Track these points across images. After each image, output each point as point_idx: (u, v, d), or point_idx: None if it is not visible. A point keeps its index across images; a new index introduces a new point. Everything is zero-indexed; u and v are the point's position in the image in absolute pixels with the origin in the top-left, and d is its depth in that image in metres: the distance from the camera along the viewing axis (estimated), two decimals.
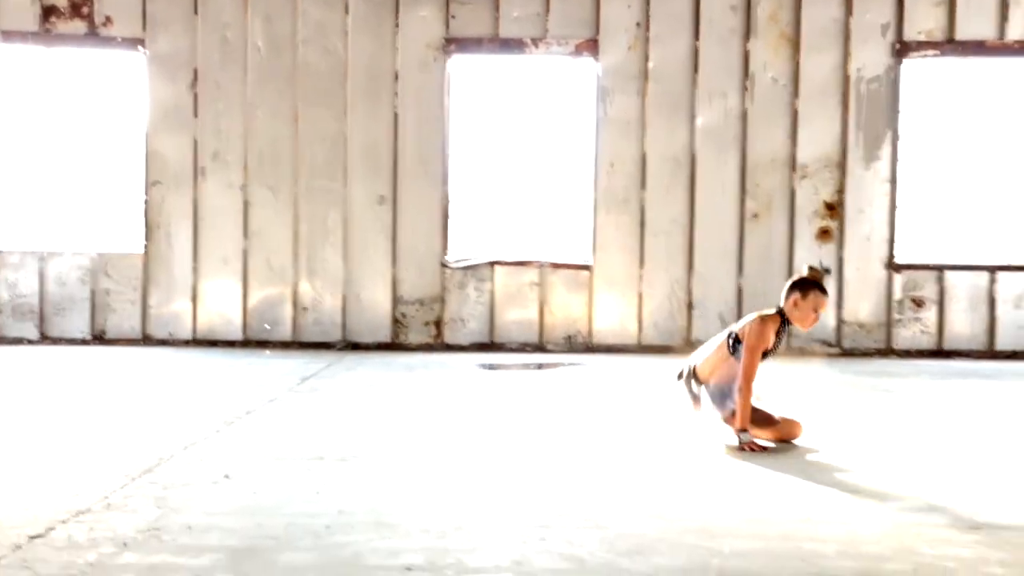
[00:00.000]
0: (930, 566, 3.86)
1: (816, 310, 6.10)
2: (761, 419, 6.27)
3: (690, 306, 11.34)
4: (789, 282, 6.18)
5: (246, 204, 11.48)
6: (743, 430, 6.02)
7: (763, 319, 6.13)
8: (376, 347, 11.44)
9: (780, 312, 6.18)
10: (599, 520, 4.43)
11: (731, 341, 6.24)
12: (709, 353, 6.39)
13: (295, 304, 11.50)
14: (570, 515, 4.50)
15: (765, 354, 6.19)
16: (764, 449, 5.98)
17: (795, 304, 6.13)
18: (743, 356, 6.12)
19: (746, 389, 6.06)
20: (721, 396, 6.30)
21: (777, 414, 6.34)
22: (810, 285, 6.13)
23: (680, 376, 6.50)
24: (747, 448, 5.96)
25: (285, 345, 11.46)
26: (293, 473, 5.25)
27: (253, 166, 11.46)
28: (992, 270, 11.22)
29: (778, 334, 6.18)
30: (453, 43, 11.36)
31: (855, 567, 3.85)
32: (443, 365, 10.15)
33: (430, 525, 4.31)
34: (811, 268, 6.23)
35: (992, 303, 11.22)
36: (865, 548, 4.07)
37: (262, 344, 11.47)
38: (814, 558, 3.94)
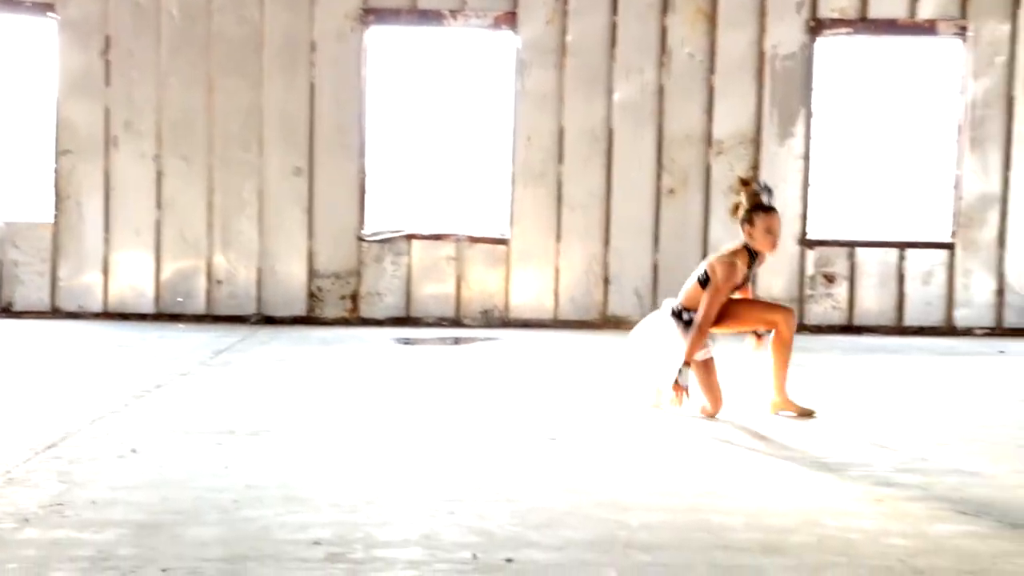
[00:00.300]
0: (834, 538, 3.92)
1: (769, 231, 6.18)
2: (707, 380, 6.29)
3: (606, 281, 11.38)
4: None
5: (159, 174, 11.30)
6: (686, 364, 6.10)
7: (731, 263, 6.18)
8: (291, 321, 11.34)
9: (746, 244, 6.28)
10: (510, 494, 4.44)
11: (702, 279, 6.30)
12: (688, 286, 6.44)
13: (209, 277, 11.35)
14: (481, 489, 4.51)
15: (738, 287, 6.29)
16: (680, 399, 6.07)
17: (750, 235, 6.25)
18: (705, 298, 6.18)
19: (702, 330, 6.14)
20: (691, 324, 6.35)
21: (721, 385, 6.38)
22: (755, 210, 6.22)
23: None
24: (675, 390, 6.07)
25: (199, 318, 11.31)
26: (202, 447, 5.20)
27: (167, 136, 11.28)
28: (901, 247, 11.38)
29: (749, 266, 6.27)
30: (371, 14, 11.25)
31: (761, 539, 3.90)
32: (359, 339, 10.10)
33: (341, 499, 4.30)
34: (752, 194, 6.29)
35: (901, 279, 11.39)
36: (771, 520, 4.12)
37: (175, 317, 11.31)
38: (721, 531, 3.99)
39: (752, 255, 6.26)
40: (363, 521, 3.99)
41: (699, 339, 6.14)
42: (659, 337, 6.39)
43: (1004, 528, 4.08)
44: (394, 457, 5.11)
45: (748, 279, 6.34)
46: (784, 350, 6.28)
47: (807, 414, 6.27)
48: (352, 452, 5.20)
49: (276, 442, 5.39)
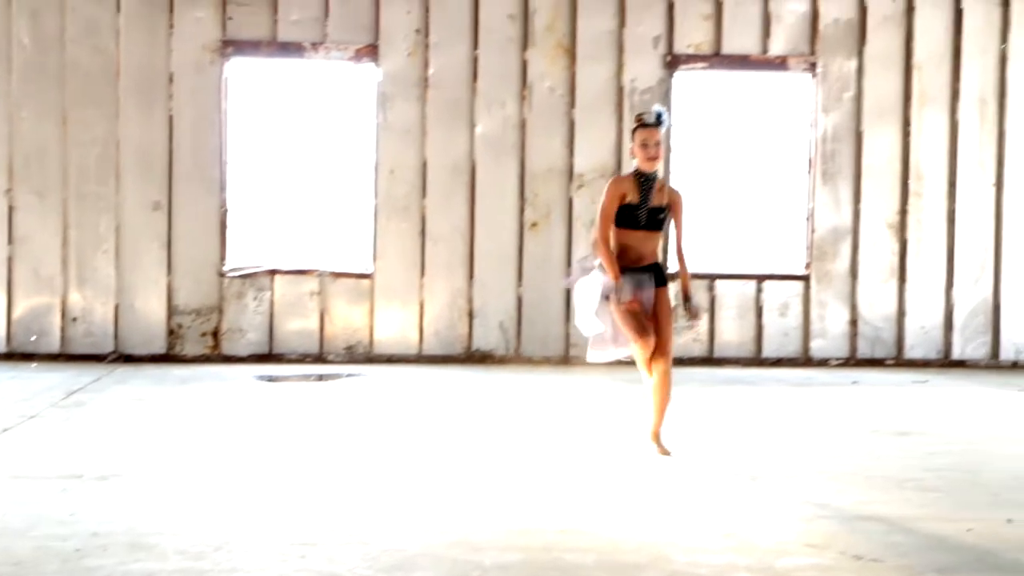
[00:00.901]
0: (682, 573, 3.97)
1: (643, 144, 6.29)
2: (636, 323, 6.22)
3: (471, 315, 11.38)
4: None
5: (11, 209, 11.00)
6: (616, 281, 6.17)
7: (614, 179, 6.54)
8: (151, 359, 11.10)
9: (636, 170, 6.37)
10: (363, 536, 4.41)
11: None
12: None
13: (64, 314, 11.06)
14: (335, 531, 4.47)
15: (636, 210, 6.25)
16: (634, 305, 6.13)
17: (632, 153, 6.42)
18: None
19: (599, 243, 6.28)
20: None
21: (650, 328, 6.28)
22: (635, 129, 6.38)
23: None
24: (622, 304, 6.10)
25: (53, 357, 10.99)
26: (47, 494, 5.06)
27: (19, 169, 10.99)
28: (759, 279, 11.61)
29: (641, 187, 6.28)
30: (230, 45, 11.13)
31: None
32: (220, 377, 9.95)
33: (189, 546, 4.22)
34: (636, 116, 6.52)
35: (759, 312, 11.60)
36: (622, 557, 4.16)
37: (28, 357, 10.98)
38: (574, 569, 4.00)
39: (640, 177, 6.32)
40: (210, 568, 3.93)
41: (605, 257, 6.23)
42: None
43: (846, 559, 4.18)
44: (248, 500, 5.04)
45: (646, 201, 6.28)
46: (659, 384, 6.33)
47: (664, 452, 6.30)
48: (205, 495, 5.11)
49: (126, 487, 5.27)
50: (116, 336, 11.11)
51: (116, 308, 11.10)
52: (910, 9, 11.54)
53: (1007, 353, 11.76)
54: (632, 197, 6.26)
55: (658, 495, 5.28)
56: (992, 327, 11.76)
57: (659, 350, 6.26)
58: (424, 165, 11.28)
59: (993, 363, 11.71)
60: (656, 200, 6.33)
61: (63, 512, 4.71)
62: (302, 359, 11.22)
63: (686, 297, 6.50)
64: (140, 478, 5.47)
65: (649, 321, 6.25)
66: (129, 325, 11.12)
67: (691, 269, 6.69)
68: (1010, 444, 6.95)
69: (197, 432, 6.97)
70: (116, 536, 4.33)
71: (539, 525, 4.64)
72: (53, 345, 11.04)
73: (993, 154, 11.68)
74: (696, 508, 5.01)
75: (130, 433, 6.88)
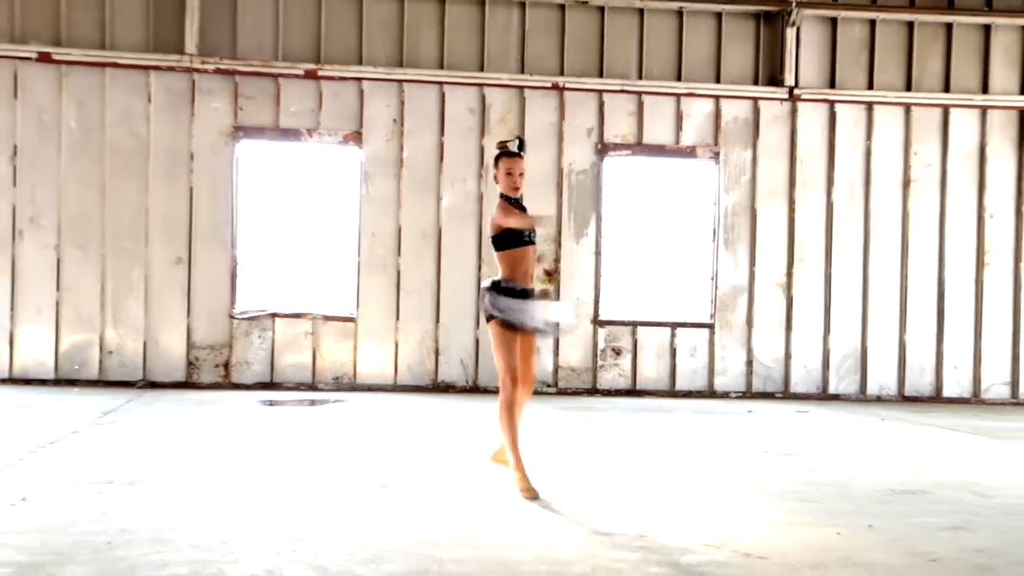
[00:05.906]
0: (605, 567, 4.02)
1: (508, 172, 5.63)
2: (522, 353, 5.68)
3: (437, 352, 11.41)
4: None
5: (59, 261, 10.95)
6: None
7: (499, 207, 5.65)
8: (172, 386, 11.04)
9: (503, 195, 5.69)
10: (345, 534, 4.43)
11: (494, 242, 5.79)
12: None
13: (101, 348, 11.00)
14: (320, 530, 4.48)
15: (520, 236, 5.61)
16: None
17: (495, 179, 5.75)
18: (500, 217, 5.61)
19: (507, 212, 5.59)
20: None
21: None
22: (499, 157, 5.72)
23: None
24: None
25: (92, 383, 10.91)
26: (84, 496, 5.05)
27: (66, 229, 10.95)
28: (673, 326, 11.72)
29: (518, 209, 5.67)
30: (241, 130, 11.18)
31: (548, 570, 3.97)
32: (229, 401, 9.91)
33: (200, 540, 4.22)
34: (500, 145, 5.80)
35: (673, 353, 11.71)
36: (556, 555, 4.20)
37: (72, 382, 10.90)
38: (515, 564, 4.05)
39: (512, 201, 5.71)
40: (217, 559, 3.94)
41: (515, 219, 5.57)
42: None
43: (738, 556, 4.20)
44: (250, 502, 5.04)
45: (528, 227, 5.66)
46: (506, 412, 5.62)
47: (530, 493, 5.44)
48: (214, 498, 5.11)
49: (150, 491, 5.26)
50: (144, 366, 11.04)
51: (144, 343, 11.04)
52: (794, 111, 11.80)
53: (872, 389, 11.92)
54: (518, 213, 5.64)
55: (584, 506, 5.31)
56: (860, 368, 11.92)
57: (528, 385, 5.85)
58: (399, 230, 11.34)
59: (861, 397, 11.86)
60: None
61: (97, 512, 4.70)
62: (297, 387, 11.20)
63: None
64: (161, 484, 5.46)
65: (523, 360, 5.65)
66: (155, 357, 11.07)
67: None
68: (873, 463, 7.05)
69: (209, 447, 6.95)
70: (140, 532, 4.33)
71: (488, 528, 4.67)
72: (92, 373, 10.96)
73: (861, 229, 11.90)
74: (615, 515, 5.05)
75: (154, 446, 6.85)
